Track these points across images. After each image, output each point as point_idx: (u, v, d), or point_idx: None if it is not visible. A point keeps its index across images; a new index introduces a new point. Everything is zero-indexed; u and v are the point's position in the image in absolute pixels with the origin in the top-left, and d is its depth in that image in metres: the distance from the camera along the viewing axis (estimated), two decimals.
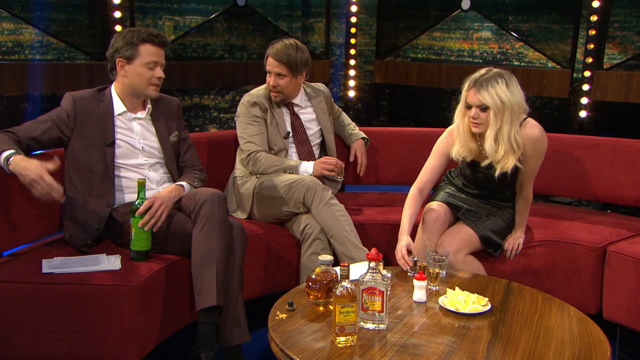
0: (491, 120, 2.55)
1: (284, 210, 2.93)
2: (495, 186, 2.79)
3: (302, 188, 2.86)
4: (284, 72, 3.01)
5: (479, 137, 2.68)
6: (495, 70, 2.59)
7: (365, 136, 3.42)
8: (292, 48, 3.02)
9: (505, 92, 2.53)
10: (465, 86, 2.61)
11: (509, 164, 2.61)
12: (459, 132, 2.69)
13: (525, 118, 2.66)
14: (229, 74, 5.21)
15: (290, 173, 2.93)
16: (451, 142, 2.77)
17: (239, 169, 3.13)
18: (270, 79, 3.05)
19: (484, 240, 2.78)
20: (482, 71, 2.59)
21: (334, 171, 2.94)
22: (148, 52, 2.58)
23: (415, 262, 2.48)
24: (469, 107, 2.61)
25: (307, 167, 2.96)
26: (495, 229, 2.81)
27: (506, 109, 2.54)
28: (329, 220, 2.82)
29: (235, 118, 3.14)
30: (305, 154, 3.14)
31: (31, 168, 2.25)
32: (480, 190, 2.87)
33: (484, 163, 2.69)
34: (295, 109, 3.17)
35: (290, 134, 3.11)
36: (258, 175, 3.04)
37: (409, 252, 2.57)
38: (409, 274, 2.48)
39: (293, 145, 3.13)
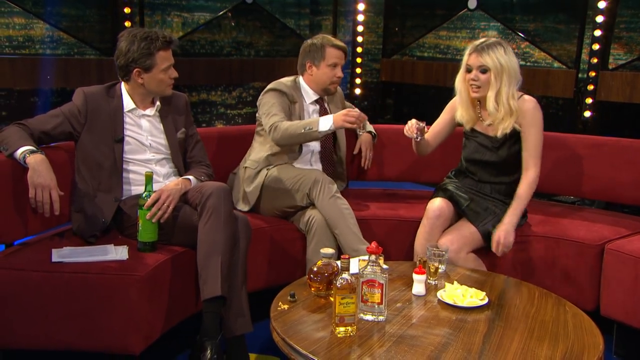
0: (492, 82, 2.77)
1: (290, 203, 2.98)
2: (494, 158, 2.89)
3: (308, 181, 2.92)
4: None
5: (478, 105, 2.89)
6: (494, 38, 2.86)
7: (372, 130, 3.46)
8: None
9: (504, 56, 2.78)
10: (467, 52, 2.83)
11: (507, 126, 2.81)
12: (461, 98, 2.93)
13: (522, 95, 2.84)
14: (236, 70, 5.26)
15: (310, 129, 2.83)
16: (456, 105, 3.00)
17: (251, 160, 3.13)
18: (338, 71, 3.22)
19: (485, 236, 2.82)
20: (482, 39, 2.85)
21: (356, 124, 2.84)
22: (164, 58, 2.61)
23: (421, 129, 2.85)
24: (469, 70, 2.82)
25: (327, 120, 2.84)
26: (496, 225, 2.84)
27: (504, 71, 2.77)
28: (333, 213, 2.86)
29: (259, 102, 3.11)
30: (320, 145, 3.20)
31: (50, 175, 2.33)
32: (480, 167, 2.94)
33: (485, 124, 2.88)
34: (324, 103, 3.24)
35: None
36: (268, 167, 3.07)
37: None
38: (416, 138, 2.91)
39: None
